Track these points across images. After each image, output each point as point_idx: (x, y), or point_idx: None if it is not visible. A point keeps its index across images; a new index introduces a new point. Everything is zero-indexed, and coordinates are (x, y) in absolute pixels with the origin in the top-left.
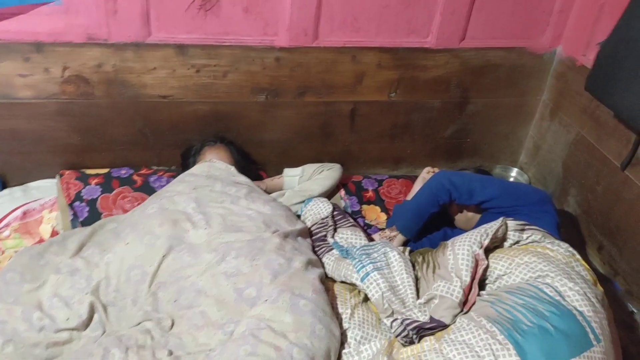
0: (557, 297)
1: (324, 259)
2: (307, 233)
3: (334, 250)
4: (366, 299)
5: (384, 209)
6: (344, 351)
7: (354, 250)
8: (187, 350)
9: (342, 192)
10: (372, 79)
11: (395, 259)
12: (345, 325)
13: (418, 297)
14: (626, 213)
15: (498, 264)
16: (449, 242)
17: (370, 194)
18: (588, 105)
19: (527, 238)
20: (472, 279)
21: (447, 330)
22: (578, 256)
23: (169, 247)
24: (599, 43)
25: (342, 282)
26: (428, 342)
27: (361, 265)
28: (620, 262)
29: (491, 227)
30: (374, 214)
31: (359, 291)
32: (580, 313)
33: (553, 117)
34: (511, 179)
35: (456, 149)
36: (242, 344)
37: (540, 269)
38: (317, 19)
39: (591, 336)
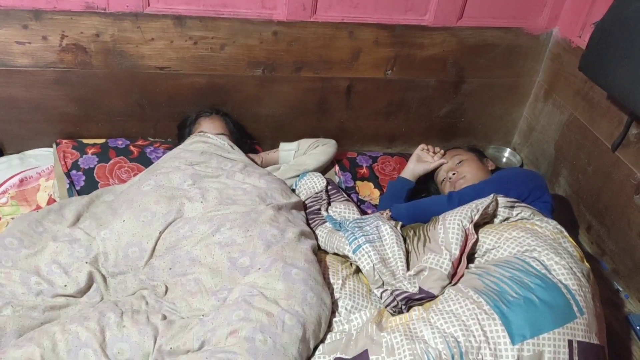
0: (544, 271)
1: (317, 231)
2: (302, 206)
3: (327, 223)
4: (357, 270)
5: (378, 186)
6: (334, 319)
7: (347, 223)
8: (181, 314)
9: (337, 168)
10: (369, 55)
11: (387, 232)
12: (336, 294)
13: (408, 269)
14: (615, 194)
15: (487, 238)
16: (440, 216)
17: (364, 170)
18: (582, 87)
19: (516, 215)
20: (462, 252)
21: (435, 301)
22: (566, 233)
23: (166, 224)
24: (594, 23)
25: (335, 254)
26: (417, 311)
27: (353, 237)
28: (607, 241)
29: (482, 203)
30: (368, 190)
31: (351, 263)
32: (565, 286)
33: (547, 99)
34: (504, 160)
35: (450, 128)
36: (235, 310)
37: (528, 243)
38: None
39: (575, 308)
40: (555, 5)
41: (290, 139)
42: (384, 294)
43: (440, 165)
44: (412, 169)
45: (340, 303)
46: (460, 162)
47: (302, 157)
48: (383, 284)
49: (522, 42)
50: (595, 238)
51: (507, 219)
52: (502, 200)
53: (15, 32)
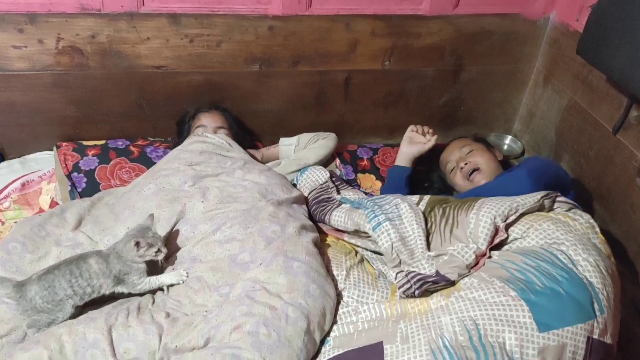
0: (570, 265)
1: (333, 213)
2: (303, 200)
3: (343, 205)
4: (361, 260)
5: (379, 177)
6: (342, 310)
7: (365, 201)
8: (185, 311)
9: (337, 161)
10: (366, 47)
11: (406, 209)
12: (341, 285)
13: (429, 249)
14: (617, 177)
15: (516, 227)
16: (477, 203)
17: (365, 162)
18: (581, 71)
19: (555, 209)
20: (487, 246)
21: (456, 288)
22: (597, 229)
23: (169, 228)
24: (591, 6)
25: (355, 231)
26: (435, 299)
27: (373, 214)
28: (611, 225)
29: (524, 205)
30: (369, 182)
31: (355, 253)
32: (590, 283)
33: (546, 84)
34: (505, 147)
35: (450, 117)
36: (239, 305)
37: (557, 236)
38: None
39: (596, 307)
40: None
41: (290, 133)
42: (398, 275)
43: (435, 143)
44: (406, 153)
45: (346, 293)
46: (470, 151)
47: (303, 152)
48: (400, 262)
49: (520, 28)
50: (599, 222)
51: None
52: (547, 201)
53: (11, 36)
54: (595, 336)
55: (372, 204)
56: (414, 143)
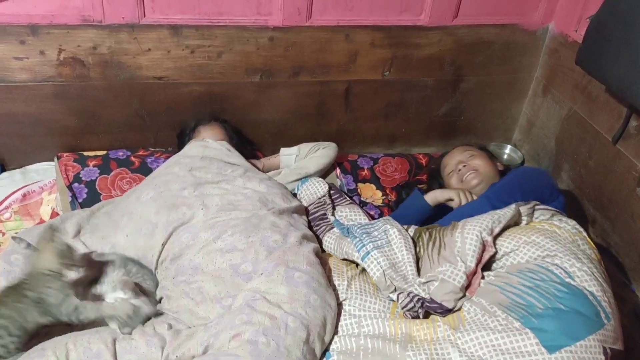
0: (567, 279)
1: (325, 237)
2: (303, 210)
3: (334, 229)
4: (363, 270)
5: (380, 187)
6: (344, 322)
7: (355, 229)
8: (187, 324)
9: (338, 170)
10: (366, 57)
11: (395, 235)
12: (342, 296)
13: (419, 275)
14: (617, 186)
15: (505, 241)
16: (460, 223)
17: (365, 172)
18: (580, 81)
19: (536, 218)
20: (477, 264)
21: (460, 320)
22: (584, 234)
23: (167, 235)
24: (590, 17)
25: (344, 259)
26: (441, 328)
27: (362, 244)
28: (612, 235)
29: (504, 215)
30: (370, 192)
31: (357, 264)
32: (591, 293)
33: (546, 94)
34: (505, 156)
35: (450, 127)
36: (238, 314)
37: (549, 248)
38: None
39: (602, 315)
40: (551, 0)
41: (291, 144)
42: (400, 296)
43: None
44: (435, 196)
45: (347, 303)
46: (471, 155)
47: (303, 161)
48: (395, 289)
49: (519, 38)
50: (599, 232)
51: (527, 223)
52: (523, 209)
53: (12, 47)
54: (609, 345)
55: (360, 232)
56: (452, 199)
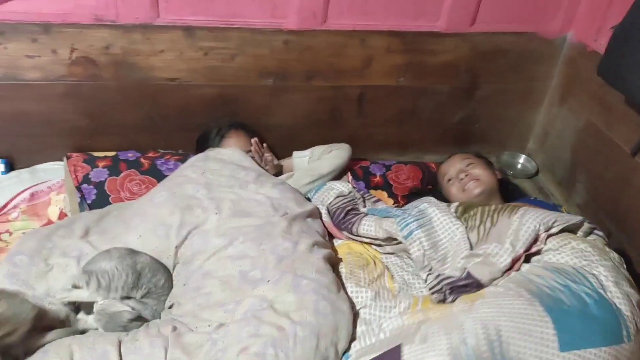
0: (600, 290)
1: (362, 222)
2: (317, 214)
3: (370, 215)
4: (381, 274)
5: (392, 194)
6: (363, 328)
7: (394, 210)
8: (190, 327)
9: (350, 176)
10: (381, 63)
11: (435, 213)
12: (359, 302)
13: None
14: (635, 199)
15: (554, 239)
16: (522, 209)
17: (378, 179)
18: (597, 91)
19: (591, 238)
20: (525, 251)
21: (481, 294)
22: (624, 266)
23: (181, 238)
24: (613, 27)
25: (387, 238)
26: (459, 305)
27: (405, 223)
28: (629, 249)
29: (567, 220)
30: (382, 199)
31: (375, 265)
32: (619, 310)
33: (562, 103)
34: (519, 166)
35: (464, 135)
36: (245, 326)
37: (592, 260)
38: (327, 1)
39: (624, 333)
40: (570, 9)
41: (302, 148)
42: (429, 277)
43: None
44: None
45: (364, 310)
46: (470, 164)
47: (317, 162)
48: (431, 269)
49: (536, 47)
50: (615, 245)
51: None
52: (586, 225)
53: (24, 46)
54: None
55: (401, 212)
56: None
